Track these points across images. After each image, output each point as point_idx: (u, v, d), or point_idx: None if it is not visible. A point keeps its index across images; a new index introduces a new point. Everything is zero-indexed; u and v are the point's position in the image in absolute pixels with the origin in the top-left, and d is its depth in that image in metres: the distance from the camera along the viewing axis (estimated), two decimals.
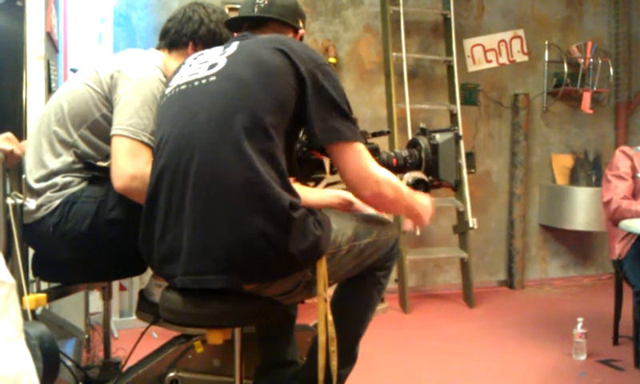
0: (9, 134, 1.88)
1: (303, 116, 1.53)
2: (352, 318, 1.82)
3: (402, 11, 4.41)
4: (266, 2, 1.78)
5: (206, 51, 1.69)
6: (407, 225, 1.84)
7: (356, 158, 1.56)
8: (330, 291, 1.63)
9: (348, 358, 1.81)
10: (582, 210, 4.83)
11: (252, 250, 1.42)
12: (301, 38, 1.85)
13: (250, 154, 1.42)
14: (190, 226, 1.46)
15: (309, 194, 1.77)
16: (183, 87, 1.59)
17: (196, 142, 1.47)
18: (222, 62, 1.56)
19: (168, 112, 1.61)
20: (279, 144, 1.47)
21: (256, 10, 1.78)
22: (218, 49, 1.64)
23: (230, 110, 1.46)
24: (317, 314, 1.57)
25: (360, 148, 1.57)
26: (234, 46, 1.61)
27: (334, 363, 1.59)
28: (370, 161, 1.58)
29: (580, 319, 3.29)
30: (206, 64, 1.59)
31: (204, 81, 1.55)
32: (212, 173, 1.44)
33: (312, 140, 1.56)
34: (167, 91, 1.67)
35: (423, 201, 1.77)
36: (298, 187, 1.60)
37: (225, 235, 1.42)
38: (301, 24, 1.86)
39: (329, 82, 1.55)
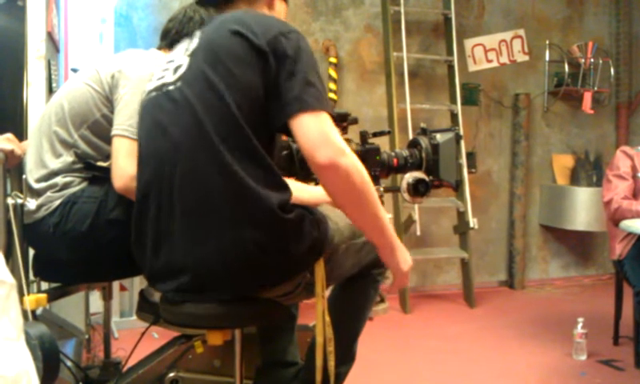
0: (9, 135, 1.88)
1: (269, 94, 1.41)
2: (349, 316, 1.82)
3: (402, 11, 4.40)
4: None
5: (176, 49, 1.62)
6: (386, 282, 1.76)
7: (320, 123, 1.36)
8: (328, 290, 1.62)
9: (346, 356, 1.81)
10: (582, 210, 4.83)
11: (248, 260, 1.40)
12: None
13: (228, 160, 1.37)
14: (182, 245, 1.44)
15: (306, 192, 1.73)
16: (153, 94, 1.54)
17: (173, 157, 1.43)
18: (184, 63, 1.49)
19: (144, 123, 1.58)
20: (258, 137, 1.41)
21: None
22: (184, 45, 1.58)
23: (198, 117, 1.39)
24: (315, 314, 1.57)
25: (326, 117, 1.38)
26: (195, 41, 1.53)
27: (332, 364, 1.58)
28: (336, 132, 1.38)
29: (580, 319, 3.29)
30: (172, 64, 1.54)
31: (171, 87, 1.48)
32: (195, 188, 1.41)
33: (276, 117, 1.40)
34: (143, 97, 1.62)
35: (404, 249, 1.60)
36: (295, 185, 1.58)
37: (218, 250, 1.40)
38: None
39: (292, 50, 1.41)
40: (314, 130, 1.36)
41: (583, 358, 3.26)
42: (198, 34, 1.55)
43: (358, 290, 1.81)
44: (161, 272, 1.52)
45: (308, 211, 1.51)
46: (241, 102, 1.39)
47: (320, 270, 1.52)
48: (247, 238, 1.39)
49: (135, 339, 2.02)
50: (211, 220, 1.40)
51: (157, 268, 1.52)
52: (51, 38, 2.99)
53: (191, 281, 1.45)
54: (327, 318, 1.56)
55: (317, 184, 1.91)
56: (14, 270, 1.73)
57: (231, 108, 1.38)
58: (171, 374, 1.98)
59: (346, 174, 1.35)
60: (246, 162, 1.38)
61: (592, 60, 5.10)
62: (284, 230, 1.41)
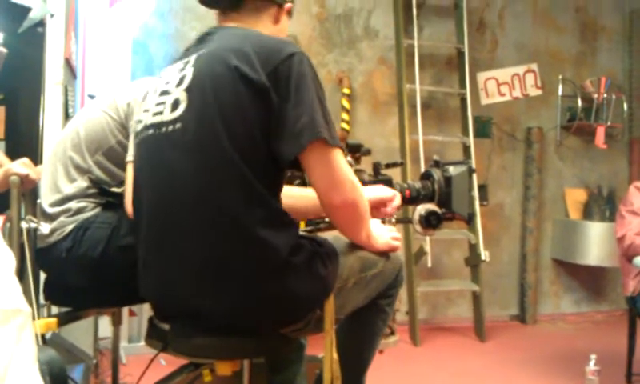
0: (25, 159, 1.90)
1: (275, 128, 1.37)
2: (358, 348, 1.80)
3: (416, 44, 4.44)
4: None
5: (168, 73, 1.53)
6: None
7: (331, 161, 1.38)
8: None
9: None
10: (595, 245, 4.79)
11: (260, 311, 1.41)
12: (289, 12, 1.65)
13: (238, 215, 1.35)
14: (192, 295, 1.43)
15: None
16: (151, 132, 1.46)
17: (181, 211, 1.39)
18: (182, 100, 1.41)
19: (143, 165, 1.50)
20: (262, 178, 1.37)
21: None
22: (177, 69, 1.49)
23: (203, 170, 1.36)
24: (324, 350, 1.55)
25: (336, 151, 1.39)
26: (190, 69, 1.43)
27: None
28: (346, 166, 1.42)
29: (593, 356, 3.24)
30: (169, 99, 1.44)
31: (170, 127, 1.41)
32: (201, 238, 1.38)
33: (287, 150, 1.36)
34: (138, 128, 1.53)
35: (376, 228, 1.66)
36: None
37: (230, 303, 1.40)
38: None
39: (294, 78, 1.37)
40: (328, 166, 1.39)
41: None
42: (193, 60, 1.45)
43: (367, 321, 1.80)
44: (169, 315, 1.53)
45: (318, 245, 1.51)
46: (244, 150, 1.35)
47: (330, 306, 1.50)
48: (257, 288, 1.39)
49: (143, 365, 2.00)
50: (219, 270, 1.39)
51: (165, 313, 1.54)
52: (69, 65, 3.04)
53: (198, 325, 1.45)
54: (335, 356, 1.54)
55: None
56: (25, 294, 1.73)
57: (233, 156, 1.34)
58: None
59: (357, 205, 1.46)
60: (252, 207, 1.36)
61: (605, 95, 5.10)
62: (295, 275, 1.41)
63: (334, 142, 1.39)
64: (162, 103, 1.46)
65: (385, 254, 1.70)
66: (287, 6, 1.63)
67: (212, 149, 1.35)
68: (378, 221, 1.73)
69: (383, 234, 1.68)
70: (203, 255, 1.39)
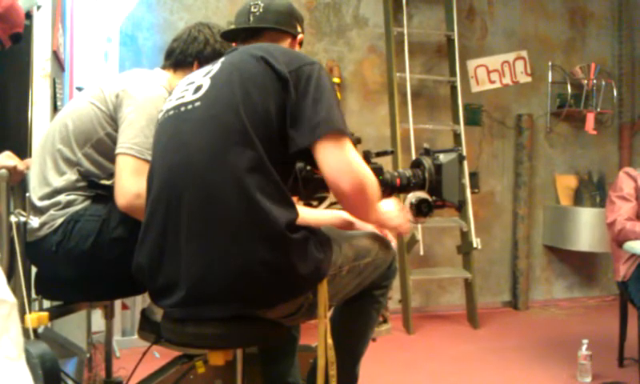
0: (8, 152, 1.89)
1: (291, 119, 1.48)
2: (351, 338, 1.81)
3: (405, 32, 4.43)
4: (261, 10, 1.76)
5: (196, 72, 1.68)
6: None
7: (344, 150, 1.47)
8: (330, 311, 1.61)
9: (348, 378, 1.80)
10: (586, 230, 4.82)
11: (253, 278, 1.42)
12: (300, 43, 1.84)
13: (243, 179, 1.40)
14: (187, 258, 1.45)
15: (309, 214, 1.75)
16: (171, 113, 1.58)
17: (187, 174, 1.46)
18: (205, 84, 1.55)
19: (159, 140, 1.61)
20: (271, 157, 1.45)
21: (251, 19, 1.76)
22: (206, 68, 1.63)
23: (216, 136, 1.45)
24: (317, 336, 1.56)
25: (349, 143, 1.49)
26: (218, 64, 1.60)
27: None
28: (358, 156, 1.50)
29: (585, 341, 3.26)
30: (192, 86, 1.58)
31: (190, 106, 1.53)
32: (206, 204, 1.43)
33: (301, 139, 1.47)
34: (160, 116, 1.65)
35: (387, 209, 1.73)
36: (299, 208, 1.59)
37: (224, 266, 1.41)
38: (299, 29, 1.84)
39: (315, 79, 1.50)
40: (339, 155, 1.46)
41: (588, 380, 3.22)
42: (220, 60, 1.61)
43: (361, 311, 1.81)
44: (162, 288, 1.52)
45: (312, 233, 1.52)
46: (257, 124, 1.44)
47: (323, 291, 1.51)
48: (252, 254, 1.40)
49: (137, 358, 2.01)
50: (218, 233, 1.42)
51: (158, 285, 1.52)
52: (57, 57, 3.01)
53: (191, 293, 1.45)
54: (329, 341, 1.55)
55: (319, 204, 1.91)
56: (16, 288, 1.73)
57: (247, 128, 1.43)
58: None
59: (366, 194, 1.50)
60: (258, 177, 1.42)
61: (594, 81, 5.12)
62: (290, 249, 1.42)
63: (347, 134, 1.49)
64: (186, 90, 1.59)
65: (379, 243, 1.71)
66: (300, 37, 1.84)
67: (226, 117, 1.45)
68: (390, 201, 1.77)
69: (393, 218, 1.74)
70: (208, 216, 1.43)
